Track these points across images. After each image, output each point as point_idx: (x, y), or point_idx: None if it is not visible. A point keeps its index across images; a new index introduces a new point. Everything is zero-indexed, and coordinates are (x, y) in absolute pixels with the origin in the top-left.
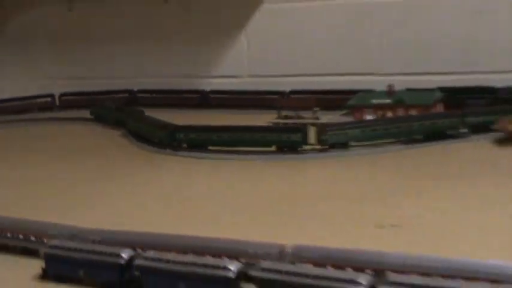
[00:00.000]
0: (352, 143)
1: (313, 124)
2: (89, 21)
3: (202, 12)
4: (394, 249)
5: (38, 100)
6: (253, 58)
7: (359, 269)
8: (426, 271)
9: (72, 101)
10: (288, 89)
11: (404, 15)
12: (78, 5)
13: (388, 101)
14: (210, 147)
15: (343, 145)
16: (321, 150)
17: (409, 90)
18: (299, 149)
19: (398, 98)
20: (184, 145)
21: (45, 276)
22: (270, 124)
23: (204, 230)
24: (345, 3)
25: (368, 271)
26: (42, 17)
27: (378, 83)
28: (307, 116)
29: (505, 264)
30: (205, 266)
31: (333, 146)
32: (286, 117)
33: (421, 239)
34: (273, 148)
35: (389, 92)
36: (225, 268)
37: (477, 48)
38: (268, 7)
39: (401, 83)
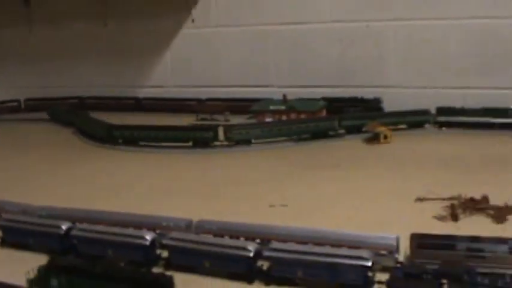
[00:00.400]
0: (254, 140)
1: (222, 125)
2: (46, 41)
3: (135, 34)
4: (283, 223)
5: (8, 104)
6: (176, 72)
7: (250, 238)
8: (303, 240)
9: (34, 105)
10: (204, 97)
11: (295, 40)
12: (37, 28)
13: (283, 107)
14: (141, 143)
15: (247, 142)
16: (228, 146)
17: (299, 99)
18: (211, 144)
19: (290, 105)
20: (120, 141)
21: (3, 243)
22: (190, 125)
23: (131, 208)
24: (247, 29)
25: (257, 240)
26: (7, 38)
27: (275, 93)
28: (219, 119)
29: (364, 234)
30: (126, 235)
31: (238, 143)
32: (202, 119)
33: (303, 215)
34: (190, 144)
35: (284, 101)
36: (142, 237)
37: (349, 67)
38: (187, 31)
39: (293, 93)
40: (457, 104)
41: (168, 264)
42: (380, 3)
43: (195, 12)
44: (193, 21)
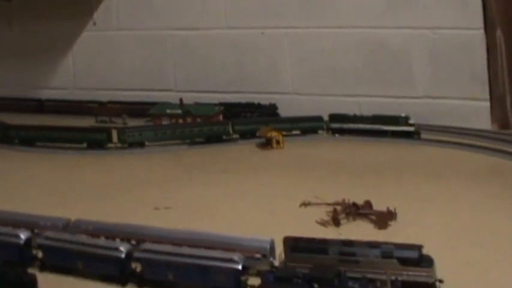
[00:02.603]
0: (147, 143)
1: (116, 127)
2: None
3: (39, 36)
4: (166, 226)
5: None
6: (78, 74)
7: (126, 239)
8: (178, 242)
9: None
10: (106, 99)
11: (192, 45)
12: None
13: (179, 111)
14: (38, 143)
15: (140, 144)
16: (121, 148)
17: (196, 103)
18: (105, 146)
19: (187, 110)
20: (16, 141)
21: None
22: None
23: (16, 208)
24: (147, 33)
25: (133, 241)
26: None
27: (174, 97)
28: (118, 122)
29: (239, 237)
30: (0, 234)
31: (132, 145)
32: (102, 122)
33: (186, 218)
34: (84, 145)
35: (181, 105)
36: (17, 236)
37: (245, 74)
38: (88, 34)
39: (191, 98)
40: (353, 112)
41: (43, 265)
42: (275, 11)
43: (97, 15)
44: (94, 24)
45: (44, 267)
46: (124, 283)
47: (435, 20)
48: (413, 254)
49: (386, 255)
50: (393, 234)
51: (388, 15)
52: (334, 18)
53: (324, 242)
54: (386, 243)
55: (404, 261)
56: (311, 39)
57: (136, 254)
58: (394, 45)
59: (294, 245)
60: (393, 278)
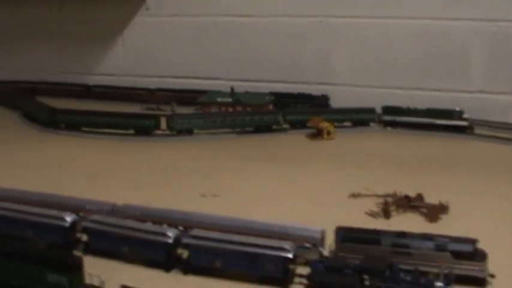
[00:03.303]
0: (196, 131)
1: (165, 114)
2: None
3: (88, 21)
4: (212, 213)
5: None
6: (128, 60)
7: (174, 225)
8: (226, 229)
9: None
10: (154, 87)
11: (246, 33)
12: None
13: (229, 100)
14: (84, 128)
15: (189, 132)
16: (169, 135)
17: (247, 92)
18: (152, 133)
19: (237, 98)
20: (63, 125)
21: None
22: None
23: (61, 191)
24: (200, 20)
25: (180, 227)
26: None
27: (224, 86)
28: (166, 109)
29: (289, 226)
30: (46, 216)
31: (180, 132)
32: (149, 109)
33: (233, 206)
34: (132, 131)
35: (231, 93)
36: (62, 219)
37: (299, 63)
38: (140, 20)
39: (242, 87)
40: (405, 105)
41: (87, 248)
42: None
43: (150, 0)
44: (147, 9)
45: (88, 250)
46: (169, 269)
47: (497, 12)
48: (467, 248)
49: (440, 248)
50: (443, 228)
51: (450, 6)
52: (395, 8)
53: (377, 232)
54: (440, 236)
55: (458, 255)
56: (369, 29)
57: (185, 240)
58: (454, 37)
59: (345, 235)
60: (446, 271)
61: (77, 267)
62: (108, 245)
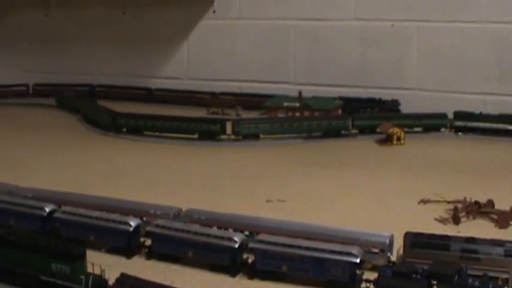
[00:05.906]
0: (262, 136)
1: (230, 119)
2: (62, 25)
3: (152, 23)
4: (278, 218)
5: (15, 88)
6: (192, 64)
7: (239, 230)
8: (293, 234)
9: (43, 91)
10: (219, 90)
11: (316, 36)
12: (53, 12)
13: (297, 104)
14: (146, 133)
15: (255, 136)
16: (235, 140)
17: (314, 97)
18: (217, 138)
19: (305, 103)
20: (124, 129)
21: None
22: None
23: (124, 195)
24: (268, 23)
25: (246, 232)
26: (21, 21)
27: (291, 90)
28: (231, 114)
29: (357, 231)
30: (110, 220)
31: (246, 137)
32: (213, 113)
33: (299, 212)
34: (196, 136)
35: (299, 98)
36: (126, 223)
37: (369, 68)
38: (206, 23)
39: (309, 91)
40: (477, 110)
41: (150, 252)
42: (407, 3)
43: (218, 2)
44: (214, 12)
45: (151, 254)
46: (234, 273)
47: None
48: None
49: (510, 253)
50: None
51: None
52: (469, 12)
53: (446, 238)
54: (510, 242)
55: None
56: (442, 33)
57: (251, 245)
58: None
59: (414, 240)
60: None
61: (80, 257)
62: (172, 249)
